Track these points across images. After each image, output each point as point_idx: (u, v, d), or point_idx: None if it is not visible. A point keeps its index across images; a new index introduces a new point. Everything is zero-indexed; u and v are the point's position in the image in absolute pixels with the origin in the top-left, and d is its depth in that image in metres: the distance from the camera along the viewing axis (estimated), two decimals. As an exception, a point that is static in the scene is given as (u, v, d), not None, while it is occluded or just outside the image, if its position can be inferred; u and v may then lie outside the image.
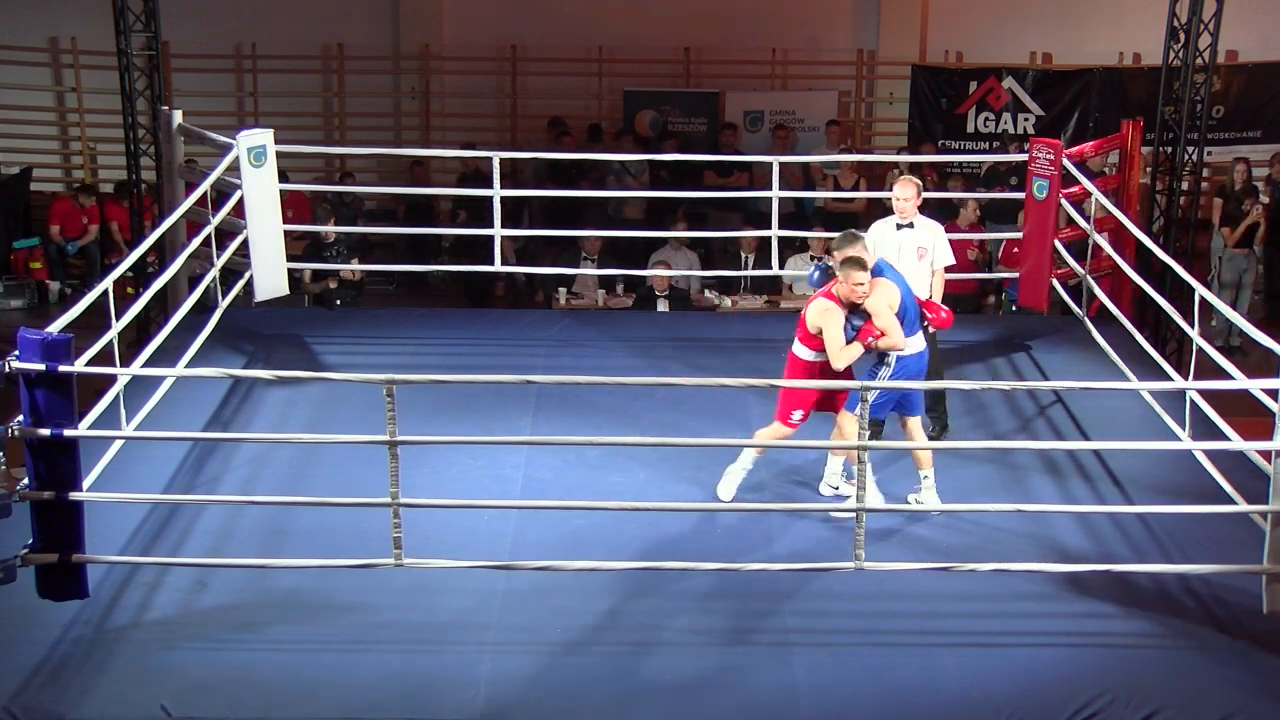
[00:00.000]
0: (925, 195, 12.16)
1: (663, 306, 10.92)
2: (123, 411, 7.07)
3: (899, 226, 7.79)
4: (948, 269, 7.89)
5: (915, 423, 7.08)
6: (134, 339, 8.98)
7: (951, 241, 11.46)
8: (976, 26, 14.80)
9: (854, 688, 5.66)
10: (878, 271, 6.90)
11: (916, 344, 7.01)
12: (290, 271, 9.66)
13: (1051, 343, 9.33)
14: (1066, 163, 9.22)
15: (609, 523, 6.64)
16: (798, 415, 6.94)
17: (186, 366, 8.02)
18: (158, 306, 9.36)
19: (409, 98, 15.02)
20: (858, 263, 6.77)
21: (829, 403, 6.98)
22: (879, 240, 7.77)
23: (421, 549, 6.01)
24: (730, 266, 12.02)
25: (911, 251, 7.73)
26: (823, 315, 6.80)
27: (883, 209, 12.26)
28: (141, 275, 10.02)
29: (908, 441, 7.09)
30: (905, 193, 7.79)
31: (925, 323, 7.16)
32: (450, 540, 6.35)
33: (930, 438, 7.64)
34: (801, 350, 6.96)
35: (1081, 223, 9.16)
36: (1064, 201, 9.26)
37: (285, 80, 14.69)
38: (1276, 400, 5.94)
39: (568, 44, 14.66)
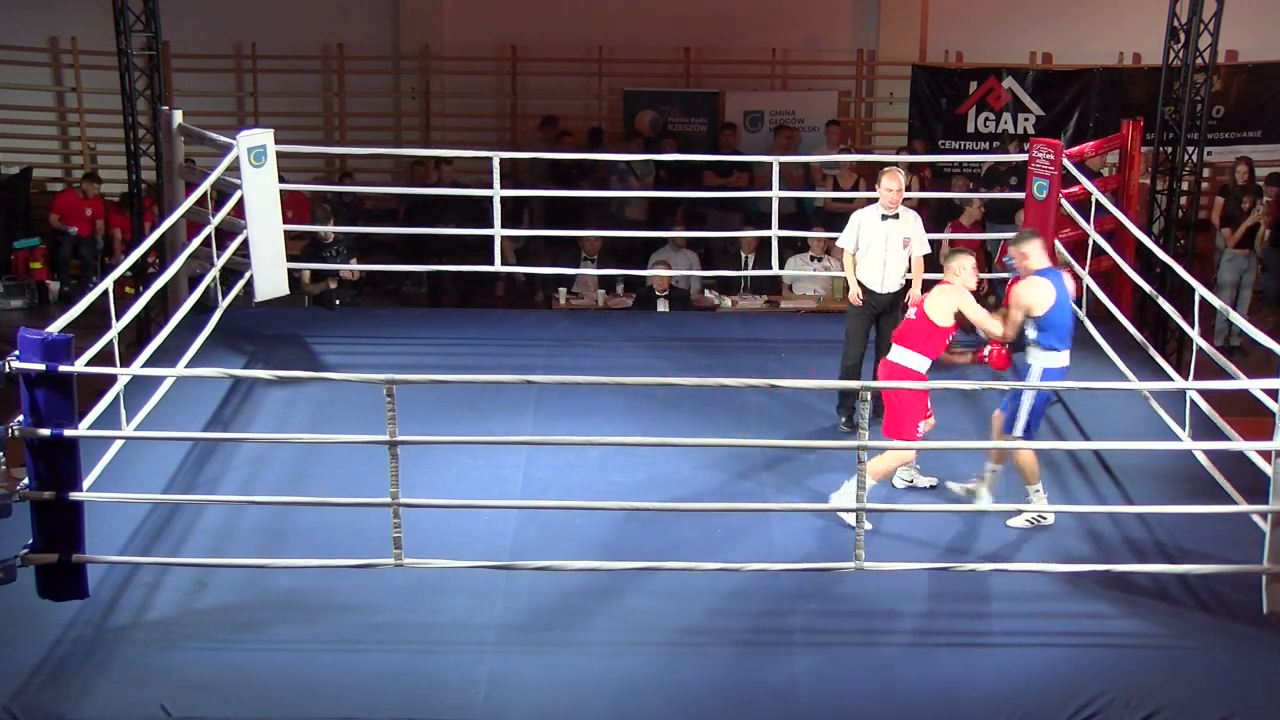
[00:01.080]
0: (927, 195, 12.35)
1: (663, 306, 10.91)
2: (123, 411, 7.07)
3: (884, 217, 7.88)
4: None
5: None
6: (134, 339, 8.97)
7: (956, 242, 11.60)
8: (976, 26, 14.79)
9: (854, 688, 5.66)
10: (1043, 273, 6.82)
11: (1064, 359, 6.84)
12: (290, 271, 9.66)
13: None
14: (1067, 163, 9.23)
15: (609, 523, 6.64)
16: (923, 427, 6.87)
17: (186, 366, 8.02)
18: (158, 306, 9.35)
19: (409, 98, 15.01)
20: (966, 252, 7.00)
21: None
22: (864, 231, 7.88)
23: (421, 549, 6.01)
24: (730, 266, 12.01)
25: (898, 241, 7.88)
26: (953, 296, 6.82)
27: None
28: (141, 275, 10.02)
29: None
30: (895, 184, 7.84)
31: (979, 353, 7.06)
32: (450, 540, 6.35)
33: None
34: (913, 359, 6.85)
35: (1082, 223, 9.16)
36: (1064, 201, 9.26)
37: (285, 80, 14.69)
38: (1276, 400, 5.95)
39: (568, 44, 14.66)
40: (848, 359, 8.00)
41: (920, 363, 6.88)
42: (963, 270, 6.91)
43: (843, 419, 8.05)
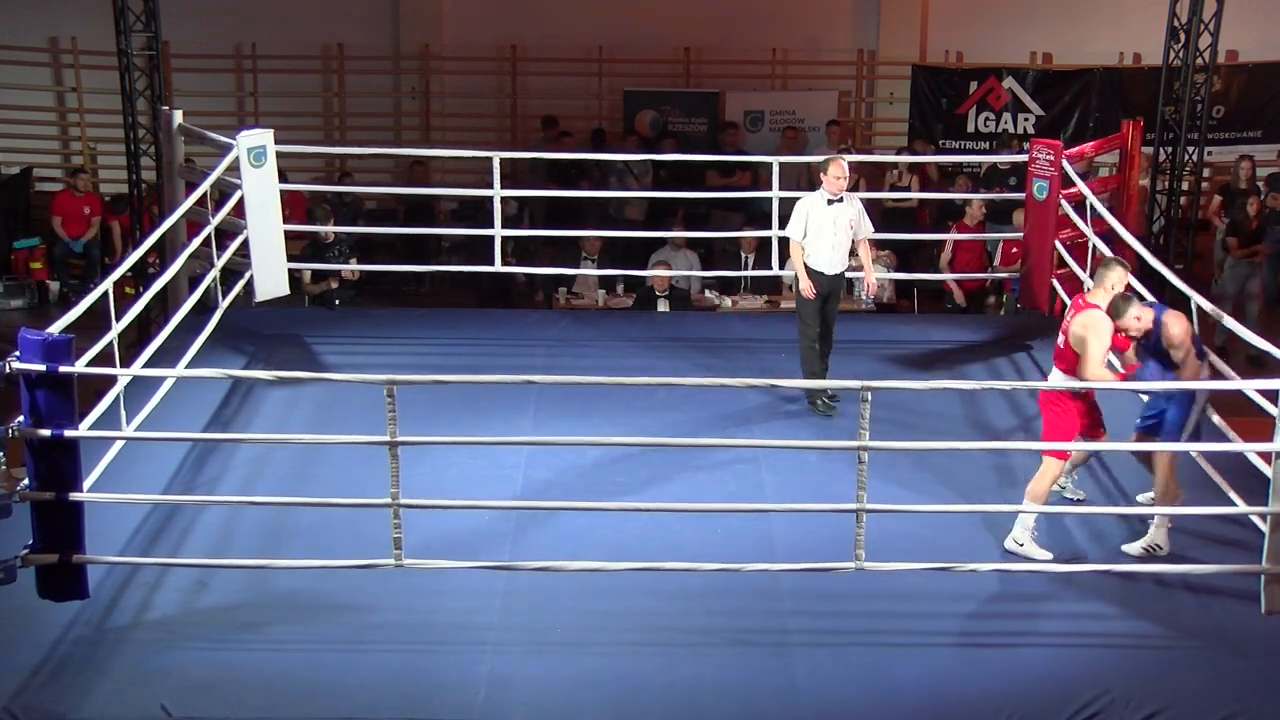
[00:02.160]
0: (928, 195, 12.36)
1: (663, 306, 10.91)
2: (123, 412, 7.06)
3: (830, 202, 8.13)
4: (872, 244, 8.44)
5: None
6: (134, 339, 8.97)
7: (959, 242, 11.60)
8: (976, 26, 14.80)
9: (854, 688, 5.66)
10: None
11: None
12: (290, 271, 9.66)
13: (1051, 343, 9.28)
14: (1065, 164, 9.23)
15: (609, 523, 6.64)
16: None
17: (187, 367, 8.02)
18: (158, 307, 9.36)
19: (409, 98, 15.02)
20: (1121, 263, 6.88)
21: (1093, 428, 6.80)
22: (812, 217, 8.14)
23: (421, 549, 6.01)
24: (730, 266, 12.00)
25: (844, 224, 8.18)
26: (1087, 329, 6.52)
27: (882, 209, 12.37)
28: (142, 275, 10.03)
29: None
30: (841, 172, 8.13)
31: None
32: (450, 540, 6.35)
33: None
34: (1064, 381, 6.67)
35: (1081, 225, 9.16)
36: (1064, 202, 9.26)
37: (285, 80, 14.69)
38: (1276, 402, 5.94)
39: (568, 44, 14.66)
40: (805, 339, 8.26)
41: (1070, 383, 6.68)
42: (1115, 285, 6.67)
43: (816, 402, 8.25)
